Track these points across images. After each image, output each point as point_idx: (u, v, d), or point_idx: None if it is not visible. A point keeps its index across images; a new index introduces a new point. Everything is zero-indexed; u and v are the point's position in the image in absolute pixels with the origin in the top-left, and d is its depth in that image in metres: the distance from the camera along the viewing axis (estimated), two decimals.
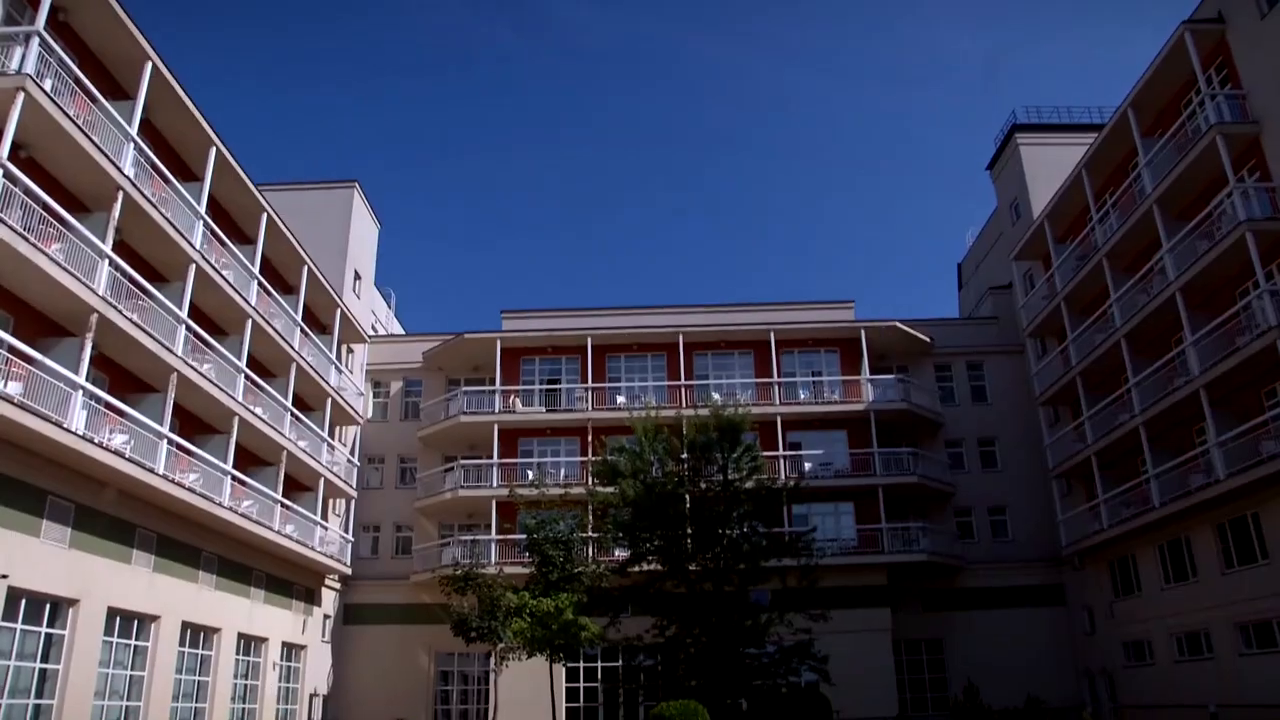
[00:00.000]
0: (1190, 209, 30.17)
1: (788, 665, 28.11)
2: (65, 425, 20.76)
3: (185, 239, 26.81)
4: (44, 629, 21.81)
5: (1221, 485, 27.28)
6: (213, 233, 29.24)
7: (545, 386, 41.76)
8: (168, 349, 25.51)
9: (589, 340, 40.70)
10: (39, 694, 21.58)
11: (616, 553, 32.98)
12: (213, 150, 28.97)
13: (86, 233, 22.21)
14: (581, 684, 36.72)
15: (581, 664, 36.33)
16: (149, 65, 25.21)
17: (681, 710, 16.54)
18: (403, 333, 51.35)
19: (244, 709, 31.79)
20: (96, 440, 22.09)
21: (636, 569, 29.55)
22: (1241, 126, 27.79)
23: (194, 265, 27.34)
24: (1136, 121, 32.34)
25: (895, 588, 37.59)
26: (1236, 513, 28.35)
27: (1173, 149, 30.44)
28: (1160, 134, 31.70)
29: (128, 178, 23.75)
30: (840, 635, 31.64)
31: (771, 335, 40.36)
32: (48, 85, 20.77)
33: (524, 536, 32.15)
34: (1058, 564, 38.99)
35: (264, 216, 32.60)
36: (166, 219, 25.79)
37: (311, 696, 36.64)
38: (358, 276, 44.18)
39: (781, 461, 37.74)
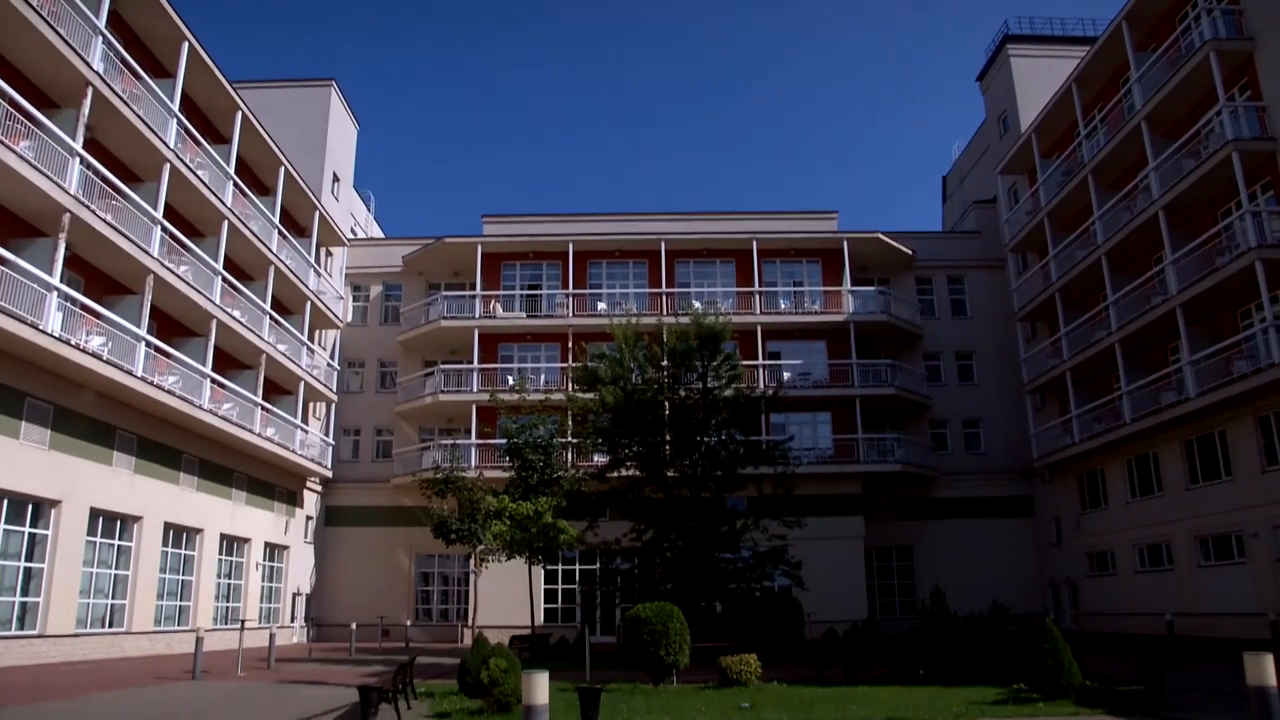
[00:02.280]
0: (1179, 127, 29.94)
1: (762, 570, 28.77)
2: (41, 327, 20.57)
3: (158, 137, 26.18)
4: (27, 529, 22.01)
5: (1192, 403, 27.77)
6: (187, 131, 28.55)
7: (526, 292, 41.60)
8: (143, 250, 25.15)
9: (570, 246, 40.41)
10: (25, 592, 21.90)
11: (595, 458, 33.33)
12: (185, 45, 28.07)
13: (56, 130, 21.65)
14: (560, 586, 37.57)
15: (560, 566, 37.12)
16: None
17: (657, 612, 16.88)
18: (382, 236, 50.83)
19: (228, 607, 32.39)
20: (73, 342, 21.93)
21: (615, 474, 29.92)
22: (1236, 43, 27.39)
23: (168, 165, 26.77)
24: (1130, 35, 31.81)
25: (869, 496, 38.38)
26: (1204, 430, 28.95)
27: (1165, 65, 30.02)
28: (1153, 49, 31.23)
29: (97, 73, 23.06)
30: (814, 542, 32.46)
31: (754, 244, 40.19)
32: None
33: (504, 441, 32.43)
34: (1028, 476, 39.87)
35: (239, 115, 31.79)
36: (138, 116, 25.13)
37: (295, 596, 37.36)
38: (336, 179, 43.42)
39: (761, 371, 38.03)
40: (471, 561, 33.78)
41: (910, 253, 41.87)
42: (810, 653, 22.05)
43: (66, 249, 22.38)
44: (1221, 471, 28.46)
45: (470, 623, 33.90)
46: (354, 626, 31.07)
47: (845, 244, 40.28)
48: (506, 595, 33.81)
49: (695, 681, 17.39)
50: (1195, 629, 28.00)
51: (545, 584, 36.72)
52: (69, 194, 21.83)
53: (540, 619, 33.66)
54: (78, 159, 22.47)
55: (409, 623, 37.13)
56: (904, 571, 39.68)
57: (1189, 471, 30.02)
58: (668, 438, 29.40)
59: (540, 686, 6.14)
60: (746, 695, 15.18)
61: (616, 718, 12.53)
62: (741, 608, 27.95)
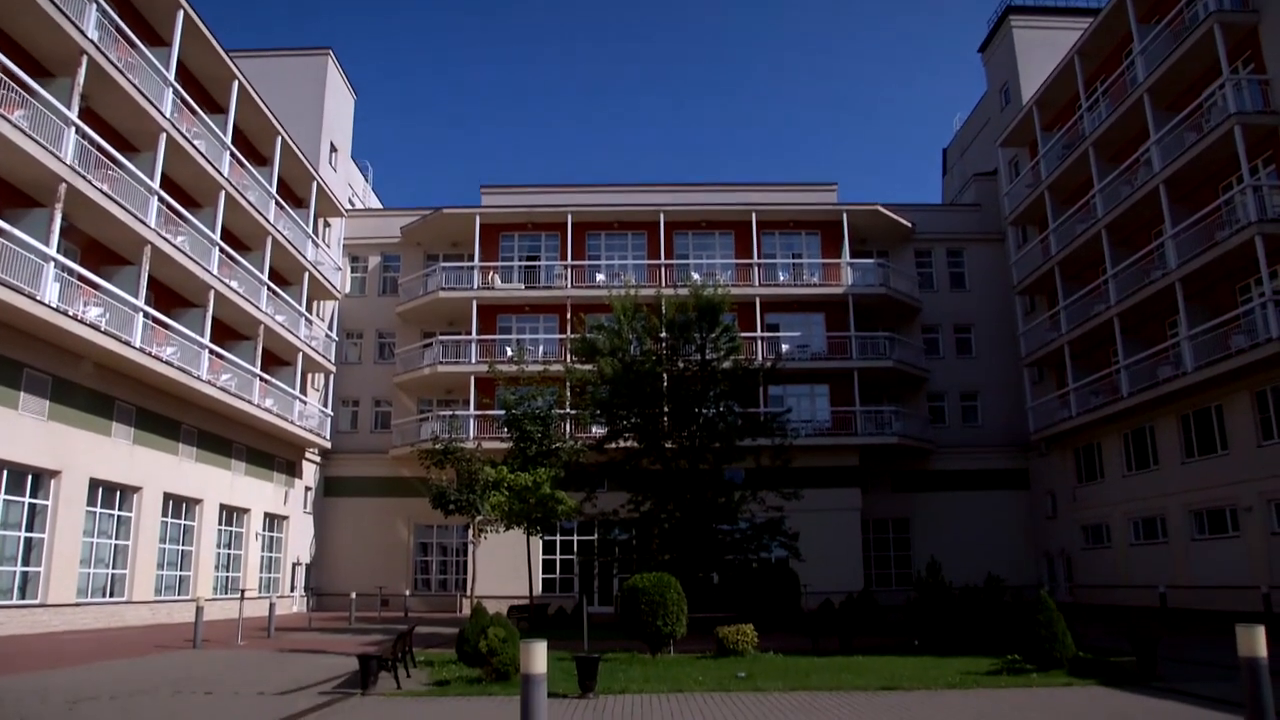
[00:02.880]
0: (1181, 100, 29.79)
1: (759, 541, 28.94)
2: (38, 297, 20.53)
3: (154, 106, 26.00)
4: (27, 499, 22.09)
5: (1189, 377, 27.83)
6: (183, 100, 28.36)
7: (524, 263, 41.51)
8: (140, 220, 25.06)
9: (569, 217, 40.29)
10: (25, 562, 22.01)
11: (594, 429, 33.41)
12: (180, 13, 27.83)
13: (51, 99, 21.49)
14: (558, 556, 37.79)
15: (558, 537, 37.33)
16: None
17: (655, 582, 16.97)
18: (380, 207, 50.62)
19: (228, 577, 32.59)
20: (71, 313, 21.90)
21: (613, 446, 30.02)
22: (1240, 15, 27.18)
23: (164, 134, 26.61)
24: (1133, 7, 31.52)
25: (866, 469, 38.53)
26: (1201, 404, 29.03)
27: (1169, 37, 29.81)
28: (1157, 21, 30.98)
29: (91, 41, 22.85)
30: (811, 514, 32.62)
31: (753, 216, 40.09)
32: None
33: (502, 412, 32.47)
34: (1024, 449, 40.01)
35: (235, 84, 31.56)
36: (134, 85, 24.94)
37: (294, 565, 37.57)
38: (333, 149, 43.18)
39: (759, 343, 38.05)
40: (470, 532, 33.94)
41: (910, 225, 41.78)
42: (806, 623, 22.23)
43: (63, 219, 22.32)
44: (1217, 446, 28.58)
45: (469, 592, 34.13)
46: (353, 596, 31.27)
47: (845, 216, 40.16)
48: (505, 565, 34.00)
49: (692, 651, 17.54)
50: (1188, 602, 28.22)
51: (543, 554, 36.93)
52: (65, 164, 21.71)
53: (538, 589, 33.87)
54: (73, 128, 22.33)
55: (408, 592, 37.36)
56: (900, 543, 39.93)
57: (1185, 445, 30.13)
58: (666, 409, 29.47)
59: (538, 655, 6.19)
60: (743, 665, 15.32)
61: (614, 686, 12.65)
62: (738, 578, 28.13)
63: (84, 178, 22.55)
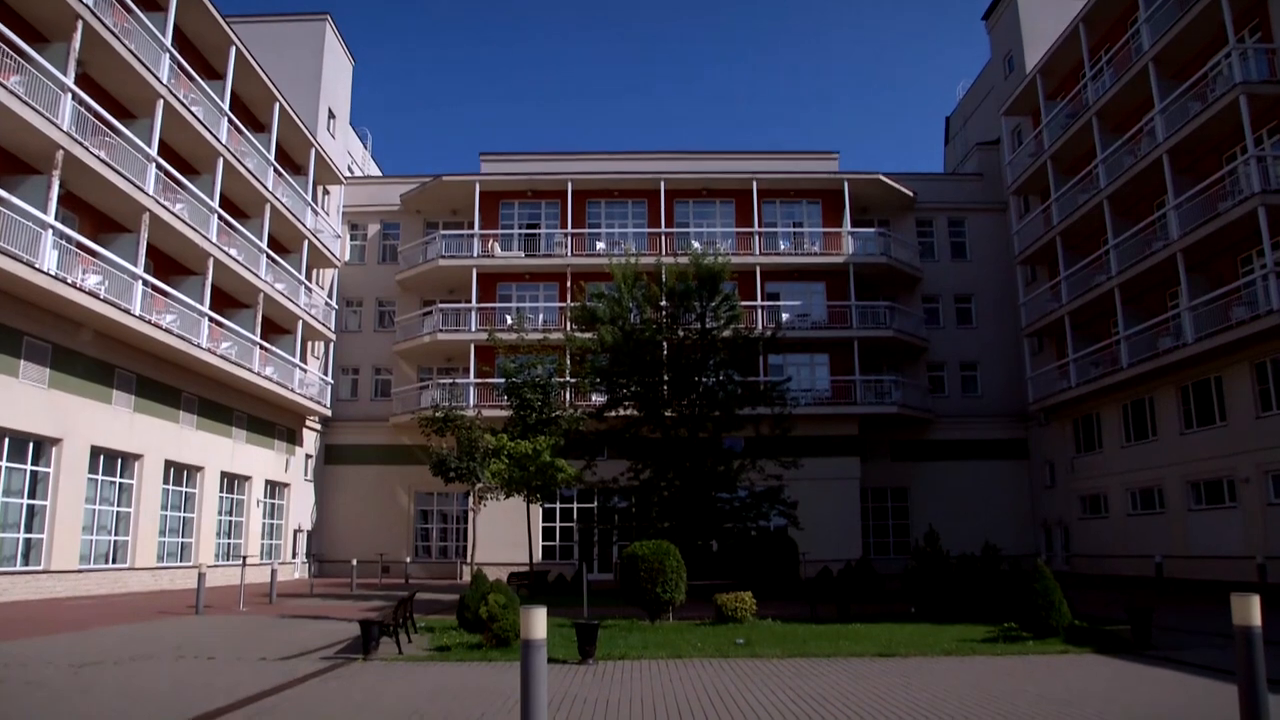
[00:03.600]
0: (1187, 69, 29.50)
1: (758, 509, 29.09)
2: (37, 265, 20.49)
3: (151, 72, 25.79)
4: (29, 467, 22.18)
5: (1189, 349, 27.82)
6: (180, 67, 28.15)
7: (524, 231, 41.38)
8: (138, 187, 24.95)
9: (569, 185, 40.11)
10: (29, 529, 22.13)
11: (594, 398, 33.47)
12: None
13: (47, 65, 21.31)
14: (558, 524, 37.99)
15: (558, 504, 37.51)
16: None
17: (654, 549, 17.08)
18: (380, 175, 50.35)
19: (230, 544, 32.78)
20: (70, 281, 21.87)
21: (613, 414, 30.08)
22: None
23: (161, 101, 26.42)
24: None
25: (865, 438, 38.65)
26: (1200, 376, 29.05)
27: (1174, 5, 29.46)
28: None
29: (86, 5, 22.62)
30: (810, 482, 32.75)
31: (754, 184, 39.92)
32: None
33: (502, 380, 32.49)
34: (1023, 420, 40.10)
35: (233, 50, 31.30)
36: (130, 51, 24.73)
37: (295, 532, 37.78)
38: (332, 115, 42.89)
39: (759, 311, 38.02)
40: (470, 499, 34.09)
41: (911, 194, 41.60)
42: (805, 591, 22.39)
43: (60, 186, 22.23)
44: (1216, 417, 28.62)
45: (469, 560, 34.35)
46: (354, 563, 31.47)
47: (846, 185, 39.98)
48: (505, 533, 34.19)
49: (691, 618, 17.67)
50: (1184, 572, 28.39)
51: (543, 522, 37.12)
52: (61, 130, 21.59)
53: (538, 556, 34.09)
54: (69, 94, 22.17)
55: (409, 559, 37.61)
56: (899, 512, 40.12)
57: (1184, 417, 30.18)
58: (666, 378, 29.51)
59: (538, 622, 6.24)
60: (741, 632, 15.44)
61: (613, 653, 12.76)
62: (737, 546, 28.30)
63: (81, 144, 22.43)
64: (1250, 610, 6.43)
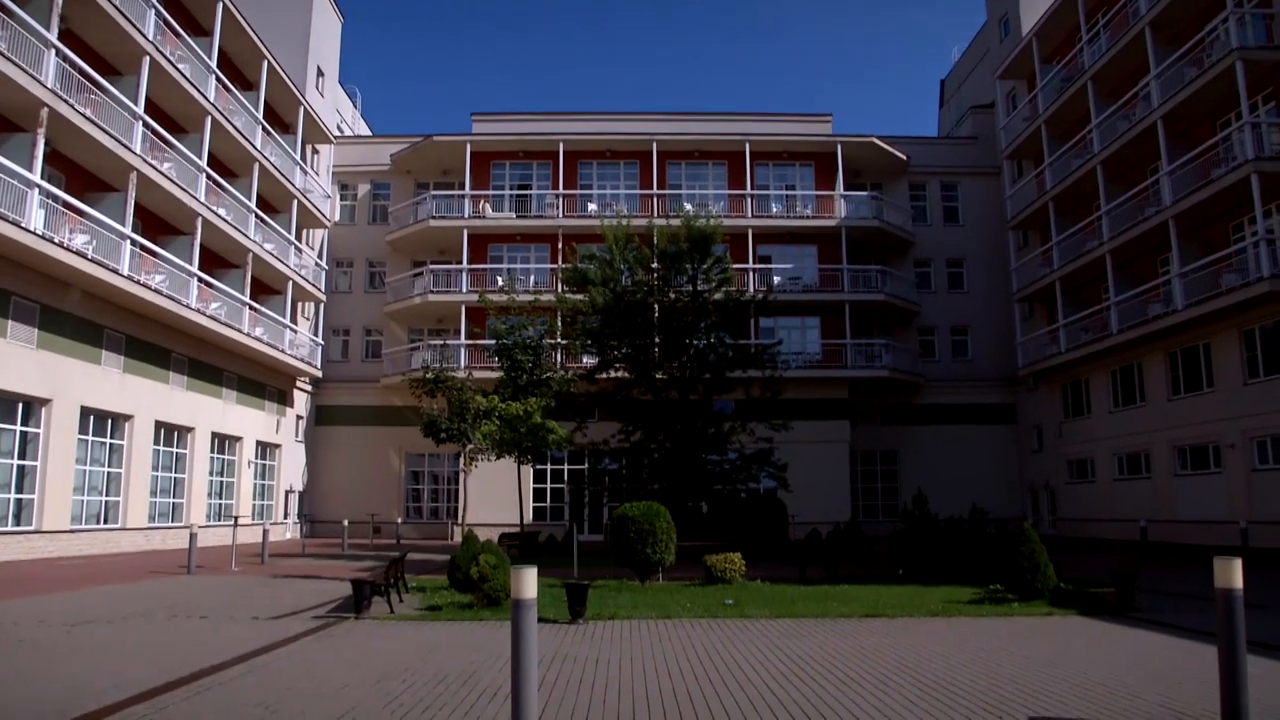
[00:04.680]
0: (1183, 34, 29.32)
1: (748, 472, 29.20)
2: (23, 224, 20.31)
3: (136, 28, 25.41)
4: (19, 427, 22.14)
5: (1179, 315, 27.92)
6: (165, 23, 27.71)
7: (516, 192, 41.15)
8: (125, 146, 24.69)
9: (561, 146, 39.80)
10: (20, 489, 22.13)
11: (585, 359, 33.44)
12: None
13: (29, 19, 20.98)
14: (548, 485, 38.16)
15: (548, 466, 37.64)
16: None
17: (644, 511, 17.13)
18: (370, 134, 49.86)
19: (221, 504, 32.84)
20: (57, 240, 21.70)
21: (604, 376, 30.07)
22: None
23: (147, 58, 26.07)
24: None
25: (856, 401, 38.79)
26: (1189, 342, 29.19)
27: None
28: None
29: None
30: (800, 445, 32.93)
31: (747, 146, 39.68)
32: None
33: (493, 342, 32.40)
34: (1012, 384, 40.30)
35: (220, 6, 30.80)
36: (114, 6, 24.36)
37: (287, 493, 37.87)
38: (320, 74, 42.36)
39: (751, 274, 37.97)
40: (461, 460, 34.12)
41: (905, 158, 41.42)
42: (794, 552, 22.55)
43: (46, 145, 22.00)
44: (1204, 383, 28.81)
45: (460, 520, 34.49)
46: (346, 523, 31.59)
47: (839, 148, 39.78)
48: (496, 494, 34.31)
49: (681, 579, 17.81)
50: (1169, 536, 28.69)
51: (534, 483, 37.25)
52: (46, 87, 21.30)
53: (529, 517, 34.23)
54: (53, 51, 21.86)
55: (400, 520, 37.76)
56: (887, 475, 40.41)
57: (1171, 383, 30.36)
58: (657, 340, 29.49)
59: (529, 581, 6.28)
60: (730, 592, 15.59)
61: (603, 613, 12.87)
62: (727, 508, 28.46)
63: (66, 101, 22.14)
64: (1232, 573, 6.51)
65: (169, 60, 27.28)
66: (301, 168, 38.45)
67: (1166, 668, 9.01)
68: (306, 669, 8.91)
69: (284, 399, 37.61)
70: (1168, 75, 29.16)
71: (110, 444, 26.14)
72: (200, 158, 29.37)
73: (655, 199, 39.36)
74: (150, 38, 26.15)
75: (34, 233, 20.65)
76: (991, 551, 16.71)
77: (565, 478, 38.03)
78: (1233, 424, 26.99)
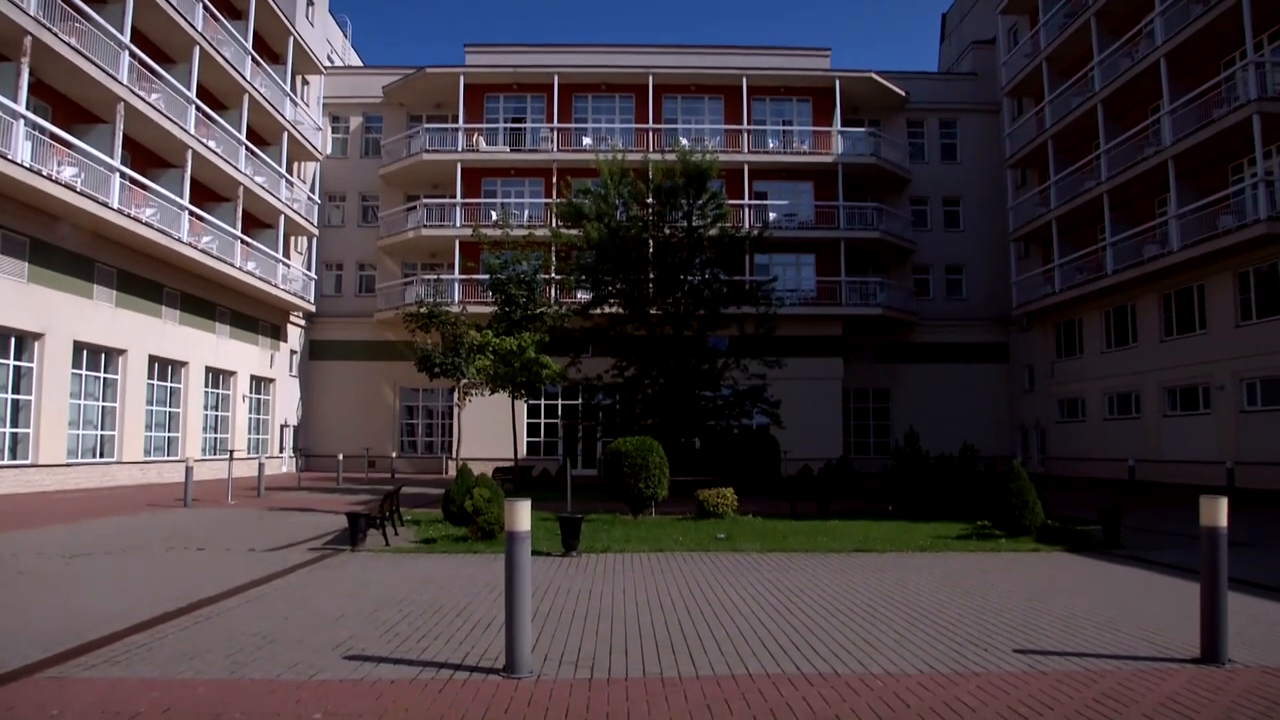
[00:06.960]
0: None
1: (741, 408, 29.35)
2: (10, 156, 20.06)
3: None
4: (12, 361, 22.13)
5: (1174, 256, 27.91)
6: None
7: (510, 125, 40.65)
8: (112, 76, 24.28)
9: (556, 78, 39.22)
10: (15, 423, 22.19)
11: (579, 294, 33.34)
12: None
13: None
14: (542, 420, 38.37)
15: (542, 401, 37.82)
16: None
17: (638, 446, 17.26)
18: (361, 65, 49.00)
19: (216, 438, 32.98)
20: (45, 173, 21.44)
21: (598, 311, 30.05)
22: None
23: None
24: None
25: (849, 339, 38.89)
26: (1183, 284, 29.23)
27: None
28: None
29: None
30: (793, 382, 33.05)
31: (743, 81, 39.14)
32: None
33: (487, 276, 32.28)
34: (1006, 324, 40.38)
35: None
36: None
37: (282, 427, 38.03)
38: (310, 1, 41.47)
39: (746, 210, 37.76)
40: (455, 395, 34.23)
41: (903, 94, 40.92)
42: (785, 488, 22.79)
43: (31, 74, 21.62)
44: (1196, 325, 28.91)
45: (454, 455, 34.70)
46: (341, 457, 31.80)
47: (837, 83, 39.27)
48: (490, 428, 34.48)
49: (673, 513, 18.01)
50: (1157, 475, 29.04)
51: (528, 418, 37.44)
52: (28, 14, 20.86)
53: (523, 452, 34.46)
54: None
55: (394, 454, 38.01)
56: (880, 413, 40.68)
57: (1165, 324, 30.46)
58: (651, 275, 29.38)
59: (523, 514, 6.34)
60: (722, 527, 15.78)
61: (596, 546, 13.03)
62: (720, 444, 28.65)
63: (50, 30, 21.70)
64: (1218, 512, 6.61)
65: None
66: (292, 99, 37.87)
67: (1148, 602, 9.18)
68: (303, 600, 9.03)
69: (278, 333, 37.55)
70: (1173, 12, 28.74)
71: (104, 378, 26.15)
72: (189, 89, 28.92)
73: (651, 133, 38.94)
74: None
75: (21, 165, 20.42)
76: (981, 489, 16.87)
77: (559, 413, 38.22)
78: (1223, 365, 27.15)
